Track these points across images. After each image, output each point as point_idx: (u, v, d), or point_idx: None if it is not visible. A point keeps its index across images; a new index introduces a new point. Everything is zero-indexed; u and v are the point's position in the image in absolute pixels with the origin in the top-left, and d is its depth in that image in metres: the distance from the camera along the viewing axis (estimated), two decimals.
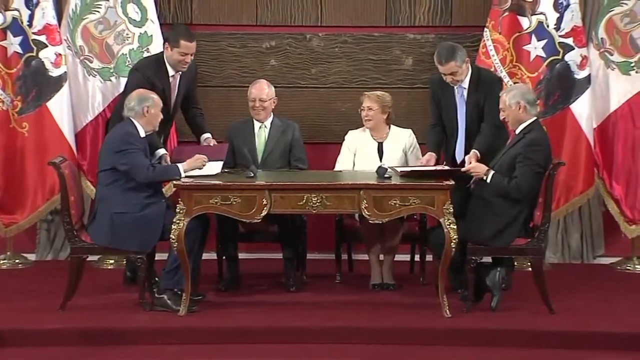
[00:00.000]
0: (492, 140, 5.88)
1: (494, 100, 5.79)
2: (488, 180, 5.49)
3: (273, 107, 6.37)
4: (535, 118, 5.58)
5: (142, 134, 5.60)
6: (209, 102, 7.04)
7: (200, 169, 5.61)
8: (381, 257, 6.18)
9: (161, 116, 5.68)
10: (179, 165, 5.58)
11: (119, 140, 5.55)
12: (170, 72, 6.05)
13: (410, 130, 6.35)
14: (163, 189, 5.88)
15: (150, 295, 5.63)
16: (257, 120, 6.34)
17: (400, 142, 6.29)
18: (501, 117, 5.61)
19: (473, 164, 5.63)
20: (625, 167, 6.71)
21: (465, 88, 5.99)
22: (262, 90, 6.30)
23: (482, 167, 5.58)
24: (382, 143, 6.29)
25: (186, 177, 5.53)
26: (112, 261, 6.74)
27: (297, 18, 7.10)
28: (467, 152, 5.87)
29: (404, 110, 6.82)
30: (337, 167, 6.32)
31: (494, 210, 5.48)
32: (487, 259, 5.70)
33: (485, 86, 5.97)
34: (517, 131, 5.57)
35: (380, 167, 5.69)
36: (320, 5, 7.08)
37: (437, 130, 6.11)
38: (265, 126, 6.34)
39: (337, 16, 7.10)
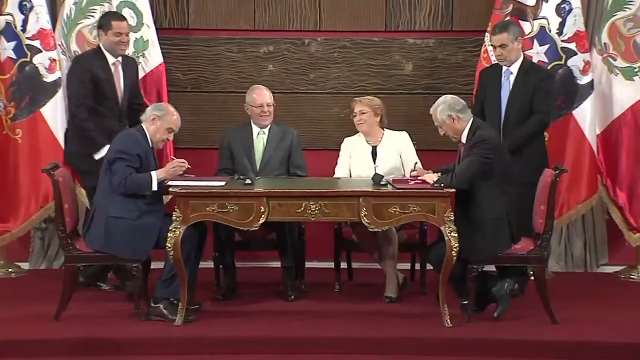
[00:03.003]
0: (530, 137, 6.03)
1: (542, 92, 6.01)
2: (434, 184, 5.48)
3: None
4: (471, 119, 5.62)
5: (150, 142, 5.65)
6: (206, 108, 7.08)
7: (180, 175, 5.60)
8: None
9: (167, 138, 5.73)
10: (154, 173, 5.58)
11: (119, 142, 5.60)
12: (110, 59, 6.13)
13: (405, 132, 6.38)
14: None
15: (145, 304, 5.64)
16: (259, 126, 6.36)
17: (394, 145, 6.31)
18: (441, 133, 5.66)
19: (425, 176, 5.68)
20: (629, 174, 6.73)
21: (512, 73, 6.13)
22: (267, 95, 6.32)
23: (431, 176, 5.63)
24: (376, 147, 6.32)
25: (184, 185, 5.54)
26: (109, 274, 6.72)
27: (295, 23, 7.13)
28: (504, 136, 6.00)
29: (404, 116, 6.85)
30: (336, 175, 6.35)
31: (477, 225, 5.49)
32: (489, 268, 5.72)
33: (536, 77, 6.11)
34: (463, 139, 5.60)
35: (376, 174, 5.71)
36: (319, 10, 7.10)
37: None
38: (263, 132, 6.36)
39: (336, 21, 7.13)
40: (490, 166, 5.46)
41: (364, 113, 6.28)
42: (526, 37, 6.59)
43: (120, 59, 6.23)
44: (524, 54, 6.28)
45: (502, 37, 6.11)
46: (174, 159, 5.71)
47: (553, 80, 6.29)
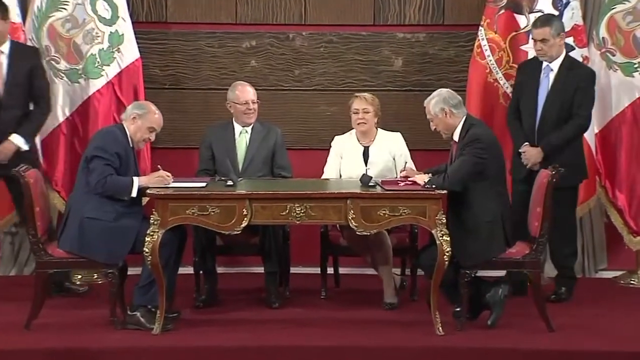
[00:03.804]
0: (567, 144, 6.07)
1: (584, 93, 6.05)
2: (425, 185, 5.49)
3: None
4: (465, 116, 5.63)
5: (131, 142, 5.64)
6: (185, 106, 7.07)
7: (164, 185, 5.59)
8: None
9: (149, 137, 5.71)
10: (136, 179, 5.57)
11: (98, 139, 5.60)
12: None
13: (398, 134, 6.37)
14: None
15: (122, 312, 5.62)
16: (242, 125, 6.35)
17: (387, 146, 6.31)
18: (432, 128, 5.67)
19: (416, 177, 5.69)
20: (628, 174, 6.74)
21: (553, 70, 6.14)
22: (251, 92, 6.32)
23: (421, 177, 5.64)
24: (368, 147, 6.32)
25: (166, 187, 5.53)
26: (80, 276, 6.71)
27: (279, 16, 7.13)
28: (539, 137, 6.07)
29: (393, 114, 6.85)
30: (325, 175, 6.34)
31: (470, 228, 5.50)
32: (483, 274, 5.74)
33: (579, 75, 6.13)
34: (456, 137, 5.61)
35: (364, 175, 5.71)
36: (304, 3, 7.10)
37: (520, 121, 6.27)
38: (246, 131, 6.35)
39: (322, 14, 7.13)
40: (484, 166, 5.46)
41: (368, 112, 6.25)
42: (521, 31, 6.61)
43: (7, 48, 6.15)
44: (564, 50, 6.24)
45: (544, 31, 6.09)
46: (160, 168, 5.67)
47: (595, 80, 6.28)
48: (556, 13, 6.56)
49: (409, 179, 5.77)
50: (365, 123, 6.26)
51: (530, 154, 6.10)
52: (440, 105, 5.59)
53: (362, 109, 6.25)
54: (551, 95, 6.14)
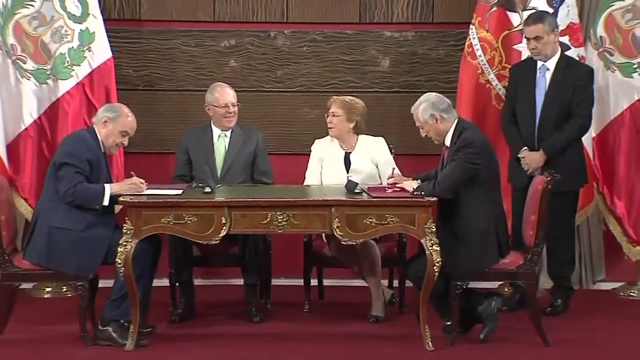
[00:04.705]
0: (569, 145, 6.09)
1: (583, 92, 6.07)
2: (414, 193, 5.48)
3: None
4: (457, 120, 5.63)
5: (102, 147, 5.62)
6: (160, 108, 7.06)
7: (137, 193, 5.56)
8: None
9: (122, 142, 5.67)
10: (107, 186, 5.54)
11: (68, 145, 5.58)
12: None
13: (381, 139, 6.36)
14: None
15: (93, 327, 5.59)
16: (221, 129, 6.32)
17: (369, 152, 6.29)
18: (422, 135, 5.67)
19: (404, 184, 5.69)
20: (627, 180, 6.74)
21: (549, 69, 6.15)
22: (231, 94, 6.30)
23: (410, 184, 5.64)
24: (349, 154, 6.30)
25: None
26: (49, 289, 6.69)
27: (259, 13, 7.12)
28: (539, 140, 6.07)
29: (380, 117, 6.85)
30: (307, 182, 6.33)
31: (460, 237, 5.49)
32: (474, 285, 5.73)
33: (577, 74, 6.15)
34: (447, 142, 5.61)
35: (349, 181, 5.70)
36: (286, 0, 7.10)
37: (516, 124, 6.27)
38: (225, 135, 6.34)
39: (305, 11, 7.12)
40: (476, 172, 5.45)
41: (336, 116, 6.25)
42: (514, 29, 6.62)
43: None
44: (558, 47, 6.26)
45: (537, 29, 6.11)
46: (133, 175, 5.64)
47: (593, 78, 6.30)
48: (551, 10, 6.55)
49: (396, 185, 5.75)
50: (333, 127, 6.26)
51: (531, 158, 6.09)
52: (429, 111, 5.59)
53: (331, 113, 6.25)
54: (549, 95, 6.15)
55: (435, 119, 5.59)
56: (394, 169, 6.07)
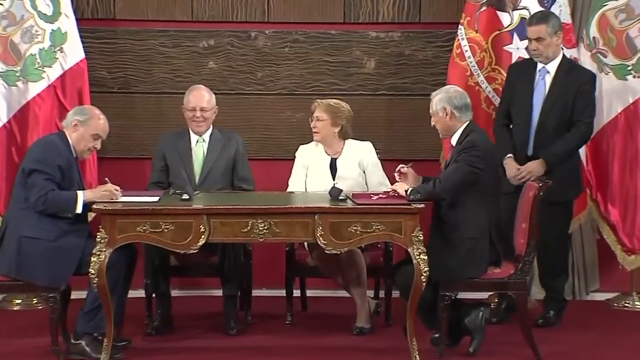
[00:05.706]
0: (571, 154, 6.10)
1: (587, 98, 6.07)
2: (410, 196, 5.49)
3: (214, 117, 6.36)
4: (468, 122, 5.65)
5: (74, 152, 5.61)
6: (136, 112, 7.05)
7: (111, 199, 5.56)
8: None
9: (94, 146, 5.67)
10: (80, 193, 5.54)
11: (37, 150, 5.57)
12: None
13: (368, 143, 6.37)
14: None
15: (64, 340, 5.58)
16: (195, 133, 6.34)
17: (357, 158, 6.30)
18: (431, 124, 5.68)
19: (396, 186, 5.68)
20: (622, 187, 6.77)
21: (550, 73, 6.15)
22: (203, 98, 6.29)
23: (402, 186, 5.64)
24: (335, 159, 6.32)
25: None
26: (19, 301, 6.68)
27: (239, 13, 7.13)
28: (536, 148, 6.07)
29: (365, 120, 6.86)
30: (291, 188, 6.34)
31: (451, 244, 5.51)
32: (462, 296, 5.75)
33: (580, 79, 6.15)
34: (453, 141, 5.64)
35: (334, 187, 5.70)
36: None
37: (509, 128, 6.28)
38: (203, 140, 6.34)
39: (287, 11, 7.14)
40: (478, 176, 5.46)
41: (320, 120, 6.25)
42: (504, 30, 6.64)
43: None
44: (559, 50, 6.26)
45: (539, 29, 6.11)
46: (108, 181, 5.63)
47: (596, 84, 6.31)
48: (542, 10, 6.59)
49: (388, 188, 5.73)
50: (317, 132, 6.28)
51: (531, 168, 6.06)
52: (442, 103, 5.60)
53: (315, 117, 6.27)
54: (549, 101, 6.15)
55: (446, 113, 5.59)
56: (410, 164, 5.93)
